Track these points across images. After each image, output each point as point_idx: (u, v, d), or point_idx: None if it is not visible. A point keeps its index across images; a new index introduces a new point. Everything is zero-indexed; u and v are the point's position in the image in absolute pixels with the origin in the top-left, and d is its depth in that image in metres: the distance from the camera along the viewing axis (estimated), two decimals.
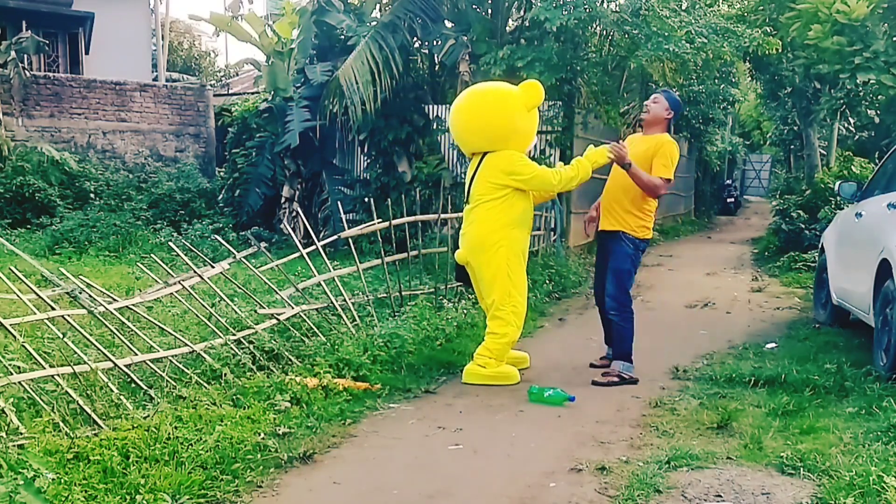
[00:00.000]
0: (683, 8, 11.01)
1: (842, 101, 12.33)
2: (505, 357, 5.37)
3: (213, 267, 5.56)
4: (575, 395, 4.90)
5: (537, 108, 5.54)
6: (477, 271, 5.36)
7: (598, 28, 11.22)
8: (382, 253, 6.70)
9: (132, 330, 4.76)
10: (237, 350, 4.99)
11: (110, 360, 4.16)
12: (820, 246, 8.04)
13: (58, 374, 3.86)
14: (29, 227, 11.61)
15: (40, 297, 4.09)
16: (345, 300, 6.26)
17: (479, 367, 5.29)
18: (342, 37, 12.15)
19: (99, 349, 4.22)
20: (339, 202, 11.14)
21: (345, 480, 3.59)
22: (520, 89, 5.37)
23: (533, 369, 5.72)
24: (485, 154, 5.35)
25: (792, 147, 22.64)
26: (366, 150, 12.29)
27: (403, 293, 6.92)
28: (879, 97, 12.62)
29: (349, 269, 6.73)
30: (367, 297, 6.59)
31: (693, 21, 10.25)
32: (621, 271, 5.36)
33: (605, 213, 5.48)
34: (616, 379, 5.32)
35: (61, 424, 3.65)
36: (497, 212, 5.25)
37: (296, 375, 4.79)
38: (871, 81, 9.04)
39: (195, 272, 5.24)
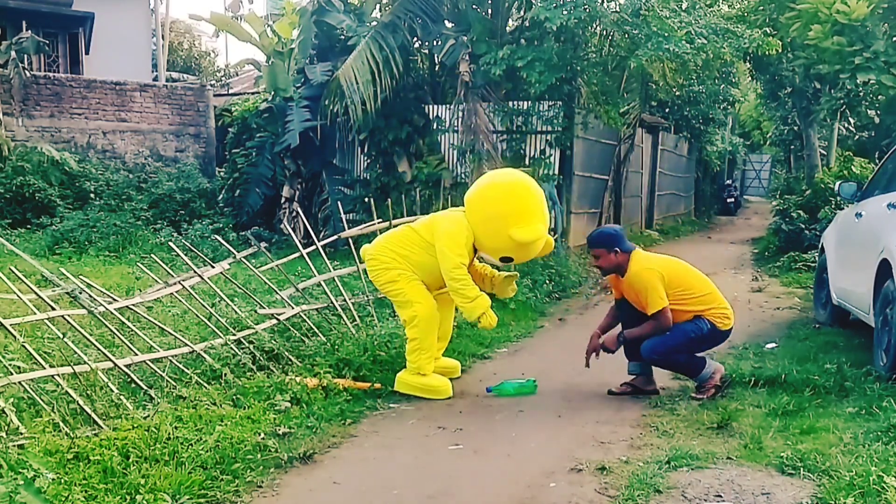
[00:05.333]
0: (683, 8, 11.00)
1: (842, 101, 12.32)
2: (430, 366, 5.05)
3: (213, 267, 5.57)
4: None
5: (521, 248, 5.01)
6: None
7: (598, 28, 11.20)
8: None
9: (132, 330, 4.77)
10: (237, 350, 4.99)
11: (110, 360, 4.17)
12: (820, 246, 8.04)
13: (58, 374, 3.87)
14: (29, 227, 11.60)
15: (40, 297, 4.09)
16: (345, 300, 6.26)
17: (409, 375, 5.01)
18: (342, 37, 12.14)
19: (99, 349, 4.22)
20: (339, 202, 11.12)
21: (345, 480, 3.59)
22: (530, 229, 4.93)
23: (533, 369, 5.72)
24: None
25: (792, 147, 22.61)
26: (366, 150, 12.28)
27: None
28: (879, 97, 12.62)
29: (349, 269, 6.73)
30: (367, 297, 6.59)
31: (693, 21, 10.24)
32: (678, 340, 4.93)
33: None
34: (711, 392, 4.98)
35: (61, 424, 3.65)
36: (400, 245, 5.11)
37: (296, 375, 4.79)
38: (871, 81, 9.03)
39: (195, 272, 5.24)
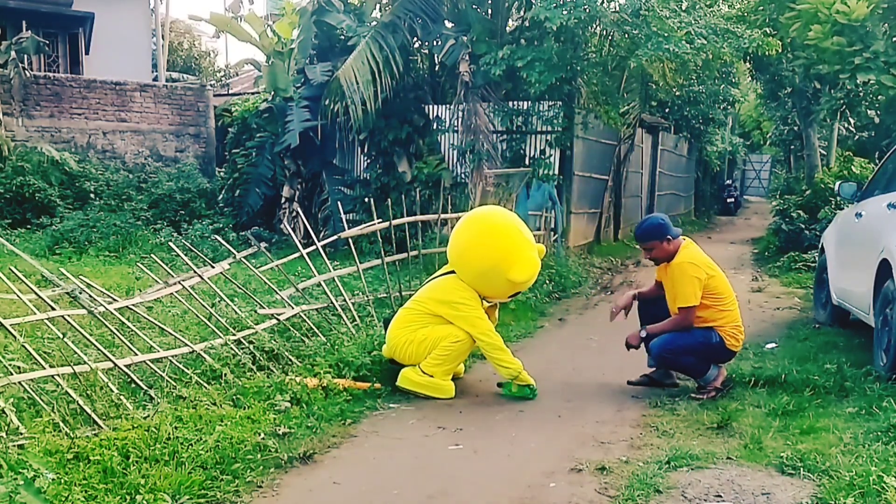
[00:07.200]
0: (683, 8, 11.00)
1: (842, 101, 12.32)
2: (446, 377, 5.09)
3: (213, 267, 5.56)
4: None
5: (515, 287, 5.13)
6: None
7: (598, 28, 11.22)
8: (382, 253, 6.70)
9: (132, 330, 4.76)
10: (237, 350, 4.99)
11: (110, 360, 4.16)
12: (820, 246, 8.04)
13: (58, 374, 3.86)
14: (29, 227, 11.60)
15: (40, 297, 4.09)
16: (345, 300, 6.26)
17: (414, 373, 5.02)
18: (342, 37, 12.15)
19: (99, 349, 4.22)
20: (339, 202, 11.13)
21: (345, 480, 3.59)
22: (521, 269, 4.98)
23: (533, 369, 5.71)
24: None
25: (792, 147, 22.64)
26: (366, 150, 12.29)
27: (403, 293, 6.91)
28: (879, 97, 12.63)
29: (349, 269, 6.73)
30: (367, 297, 6.59)
31: (693, 21, 10.24)
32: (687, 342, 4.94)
33: None
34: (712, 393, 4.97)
35: (61, 424, 3.65)
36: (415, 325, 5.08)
37: (296, 375, 4.79)
38: (871, 82, 9.03)
39: (195, 272, 5.24)
